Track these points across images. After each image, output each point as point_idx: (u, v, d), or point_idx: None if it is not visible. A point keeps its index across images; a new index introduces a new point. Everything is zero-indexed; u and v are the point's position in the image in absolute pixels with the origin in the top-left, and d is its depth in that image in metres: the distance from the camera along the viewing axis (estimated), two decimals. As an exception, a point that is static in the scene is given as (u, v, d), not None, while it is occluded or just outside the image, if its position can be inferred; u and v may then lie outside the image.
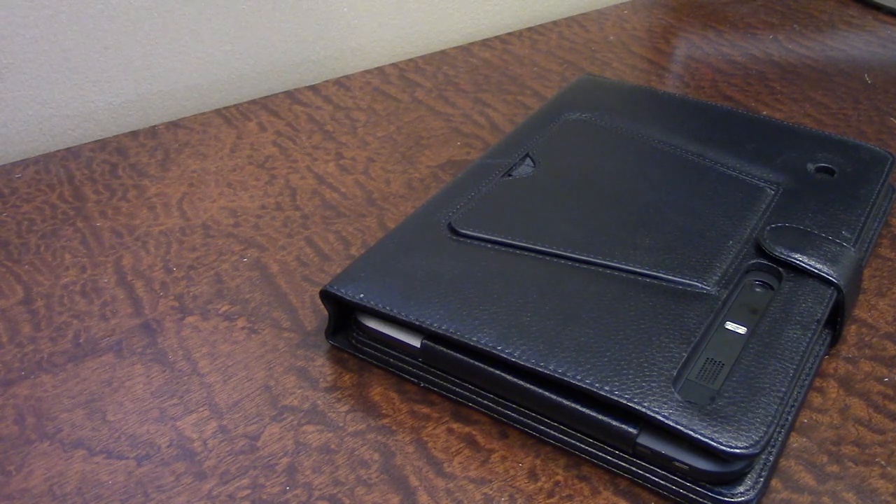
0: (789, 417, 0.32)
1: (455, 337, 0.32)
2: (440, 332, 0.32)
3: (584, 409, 0.31)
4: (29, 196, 0.46)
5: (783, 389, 0.30)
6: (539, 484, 0.31)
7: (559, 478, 0.31)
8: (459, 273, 0.35)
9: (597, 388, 0.30)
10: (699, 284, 0.35)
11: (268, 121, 0.53)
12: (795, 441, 0.33)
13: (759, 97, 0.56)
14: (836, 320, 0.35)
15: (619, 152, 0.44)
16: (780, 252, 0.36)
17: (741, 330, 0.33)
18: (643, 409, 0.29)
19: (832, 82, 0.58)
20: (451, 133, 0.52)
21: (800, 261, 0.35)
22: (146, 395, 0.34)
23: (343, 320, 0.36)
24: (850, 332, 0.38)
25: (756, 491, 0.29)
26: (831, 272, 0.35)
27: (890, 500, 0.30)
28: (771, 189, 0.41)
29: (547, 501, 0.30)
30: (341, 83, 0.57)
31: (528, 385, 0.32)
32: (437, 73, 0.59)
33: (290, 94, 0.56)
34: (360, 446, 0.32)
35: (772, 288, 0.35)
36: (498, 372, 0.32)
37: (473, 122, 0.53)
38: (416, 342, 0.34)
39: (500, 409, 0.33)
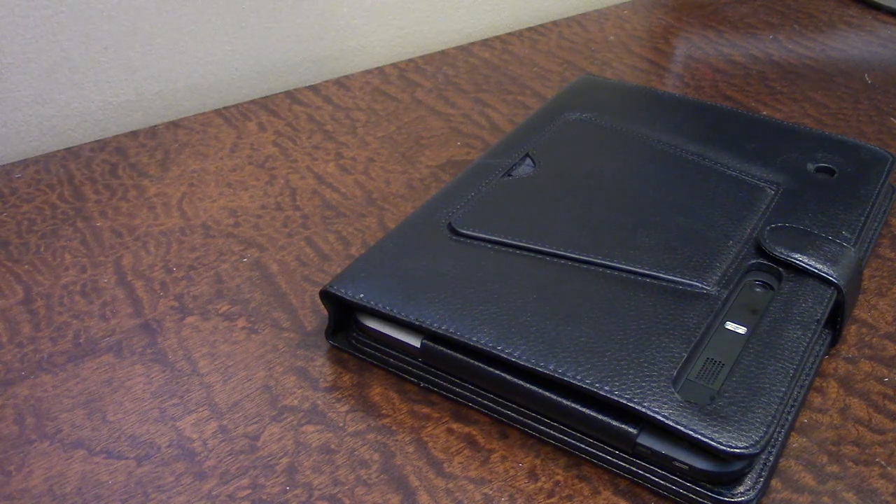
0: (789, 417, 0.32)
1: (455, 337, 0.32)
2: (440, 332, 0.32)
3: (584, 409, 0.31)
4: (29, 196, 0.46)
5: (783, 389, 0.30)
6: (539, 484, 0.31)
7: (559, 478, 0.31)
8: (459, 273, 0.35)
9: (597, 388, 0.30)
10: (699, 284, 0.35)
11: (268, 121, 0.53)
12: (795, 441, 0.33)
13: (759, 97, 0.56)
14: (836, 320, 0.35)
15: (619, 152, 0.44)
16: (781, 252, 0.36)
17: (741, 330, 0.33)
18: (643, 409, 0.29)
19: (832, 82, 0.58)
20: (451, 133, 0.52)
21: (800, 261, 0.35)
22: (146, 395, 0.34)
23: (343, 320, 0.36)
24: (850, 332, 0.38)
25: (756, 491, 0.29)
26: (831, 272, 0.35)
27: (890, 500, 0.30)
28: (771, 189, 0.41)
29: (547, 501, 0.30)
30: (341, 83, 0.57)
31: (528, 385, 0.32)
32: (437, 73, 0.59)
33: (290, 94, 0.56)
34: (360, 446, 0.32)
35: (772, 288, 0.35)
36: (498, 372, 0.32)
37: (473, 122, 0.53)
38: (416, 342, 0.34)
39: (500, 409, 0.33)
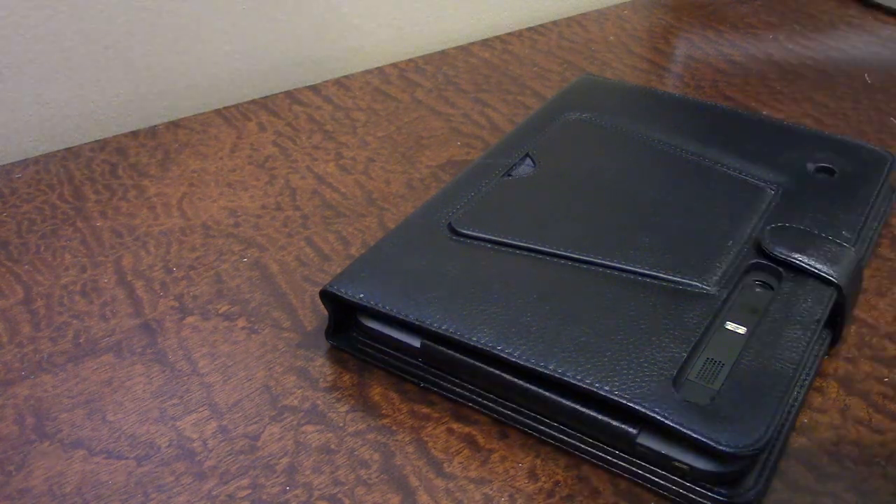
0: (789, 417, 0.32)
1: (455, 337, 0.32)
2: (440, 331, 0.32)
3: (584, 409, 0.31)
4: (29, 196, 0.46)
5: (783, 389, 0.30)
6: (539, 484, 0.31)
7: (559, 478, 0.31)
8: (459, 273, 0.35)
9: (597, 387, 0.30)
10: (699, 284, 0.35)
11: (268, 121, 0.53)
12: (795, 441, 0.33)
13: (759, 97, 0.56)
14: (836, 320, 0.35)
15: (619, 152, 0.44)
16: (781, 252, 0.36)
17: (741, 330, 0.33)
18: (643, 409, 0.29)
19: (832, 82, 0.58)
20: (451, 133, 0.52)
21: (800, 261, 0.35)
22: (146, 395, 0.34)
23: (343, 320, 0.36)
24: (850, 332, 0.38)
25: (756, 491, 0.29)
26: (831, 272, 0.35)
27: (890, 500, 0.30)
28: (771, 189, 0.41)
29: (547, 501, 0.30)
30: (341, 83, 0.57)
31: (528, 385, 0.32)
32: (437, 73, 0.59)
33: (290, 94, 0.56)
34: (360, 446, 0.32)
35: (772, 288, 0.35)
36: (498, 372, 0.32)
37: (473, 122, 0.53)
38: (415, 342, 0.34)
39: (500, 409, 0.33)
